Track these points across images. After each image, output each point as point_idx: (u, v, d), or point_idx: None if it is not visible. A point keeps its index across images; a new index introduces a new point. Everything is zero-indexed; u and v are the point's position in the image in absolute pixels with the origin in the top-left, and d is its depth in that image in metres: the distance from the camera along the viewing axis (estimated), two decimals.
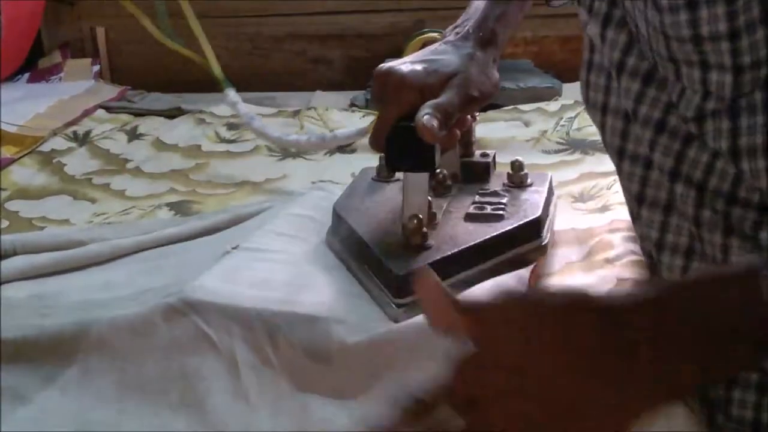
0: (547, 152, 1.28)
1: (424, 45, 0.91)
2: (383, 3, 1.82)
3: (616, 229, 0.94)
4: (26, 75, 1.79)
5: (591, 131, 1.34)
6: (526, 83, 1.57)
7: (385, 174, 0.95)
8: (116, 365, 0.75)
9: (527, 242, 0.85)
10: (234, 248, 0.87)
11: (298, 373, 0.73)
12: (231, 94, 1.09)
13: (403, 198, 0.84)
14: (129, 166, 1.32)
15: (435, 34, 0.93)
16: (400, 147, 0.82)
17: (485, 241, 0.82)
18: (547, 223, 0.88)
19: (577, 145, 1.28)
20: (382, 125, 0.82)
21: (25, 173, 1.29)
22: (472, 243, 0.82)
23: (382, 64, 0.84)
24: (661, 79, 0.71)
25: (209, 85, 1.73)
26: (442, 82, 0.82)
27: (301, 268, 0.85)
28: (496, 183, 0.93)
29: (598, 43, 0.77)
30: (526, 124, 1.41)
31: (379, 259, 0.81)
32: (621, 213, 0.97)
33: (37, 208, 1.18)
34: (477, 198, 0.89)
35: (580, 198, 1.07)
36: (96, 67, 1.82)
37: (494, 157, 0.97)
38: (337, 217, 0.91)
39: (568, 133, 1.34)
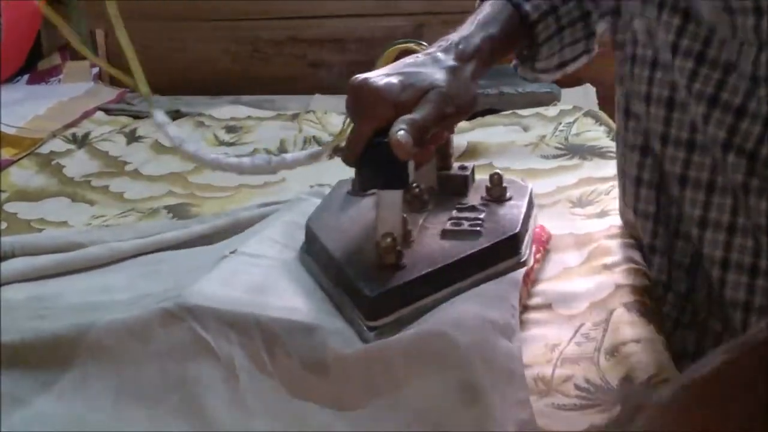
0: (546, 157, 1.28)
1: (399, 56, 0.89)
2: (383, 7, 1.82)
3: (615, 235, 0.94)
4: (25, 77, 1.79)
5: (590, 136, 1.34)
6: (525, 88, 1.57)
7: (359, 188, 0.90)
8: (114, 370, 0.75)
9: (505, 259, 0.83)
10: (232, 253, 0.87)
11: (296, 381, 0.73)
12: (159, 115, 1.02)
13: (376, 215, 0.81)
14: (128, 168, 1.32)
15: (411, 45, 0.92)
16: (372, 164, 0.79)
17: (461, 259, 0.80)
18: (526, 238, 0.87)
19: (575, 150, 1.29)
20: (356, 140, 0.80)
21: (23, 175, 1.29)
22: (448, 262, 0.79)
23: (356, 76, 0.81)
24: (713, 59, 0.76)
25: (209, 88, 1.74)
26: (417, 97, 0.80)
27: (297, 276, 0.85)
28: (474, 197, 0.91)
29: (642, 38, 0.82)
30: (525, 129, 1.41)
31: (351, 280, 0.78)
32: (619, 219, 0.98)
33: (36, 210, 1.18)
34: (454, 213, 0.87)
35: (579, 203, 1.07)
36: (95, 69, 1.83)
37: (473, 170, 0.95)
38: (310, 233, 0.88)
39: (566, 138, 1.34)
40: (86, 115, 1.55)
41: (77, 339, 0.76)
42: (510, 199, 0.90)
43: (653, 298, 0.84)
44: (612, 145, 1.28)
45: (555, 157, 1.28)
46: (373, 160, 0.79)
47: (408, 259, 0.79)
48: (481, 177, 0.95)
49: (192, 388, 0.73)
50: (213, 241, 0.99)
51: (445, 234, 0.84)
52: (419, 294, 0.78)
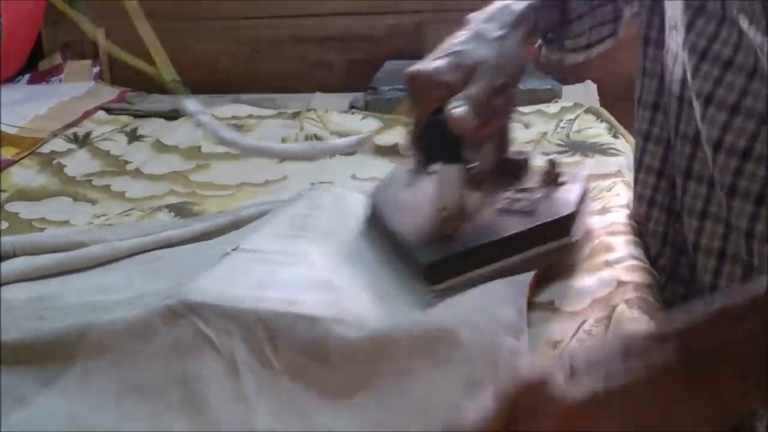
0: (548, 154, 1.27)
1: None
2: (383, 6, 1.82)
3: (617, 232, 0.94)
4: (26, 76, 1.79)
5: (591, 133, 1.34)
6: (526, 85, 1.57)
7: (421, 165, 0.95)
8: (116, 367, 0.75)
9: (556, 239, 0.86)
10: (233, 250, 0.87)
11: (298, 373, 0.73)
12: (191, 104, 1.02)
13: (436, 190, 0.86)
14: (129, 167, 1.32)
15: None
16: (430, 141, 0.85)
17: (514, 235, 0.84)
18: (578, 221, 0.89)
19: (577, 147, 1.28)
20: (415, 123, 0.85)
21: (25, 174, 1.29)
22: (501, 236, 0.84)
23: (409, 68, 0.85)
24: (715, 56, 0.77)
25: (210, 87, 1.74)
26: (467, 75, 0.83)
27: (300, 268, 0.85)
28: (530, 180, 0.94)
29: (665, 27, 0.85)
30: (526, 126, 1.41)
31: (409, 249, 0.83)
32: (621, 215, 0.98)
33: (37, 209, 1.18)
34: (511, 194, 0.91)
35: None
36: (96, 69, 1.83)
37: (530, 156, 0.99)
38: (373, 207, 0.93)
39: (568, 135, 1.34)
40: (87, 114, 1.55)
41: (79, 338, 0.76)
42: (565, 183, 0.93)
43: (654, 294, 0.84)
44: (613, 142, 1.28)
45: (556, 153, 1.28)
46: (430, 137, 0.84)
47: (465, 232, 0.84)
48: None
49: (194, 384, 0.73)
50: (213, 239, 0.99)
51: (500, 212, 0.88)
52: (473, 265, 0.83)
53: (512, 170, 0.95)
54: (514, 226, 0.85)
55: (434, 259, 0.82)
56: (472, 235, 0.84)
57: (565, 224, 0.87)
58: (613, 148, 1.26)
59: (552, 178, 0.93)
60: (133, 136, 1.44)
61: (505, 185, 0.93)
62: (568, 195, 0.90)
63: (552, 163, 0.94)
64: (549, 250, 0.85)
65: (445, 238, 0.84)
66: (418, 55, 0.88)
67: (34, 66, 1.82)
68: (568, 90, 1.59)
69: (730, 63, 0.76)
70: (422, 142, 0.86)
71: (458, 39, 0.86)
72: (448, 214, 0.84)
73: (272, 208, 1.02)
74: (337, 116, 1.49)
